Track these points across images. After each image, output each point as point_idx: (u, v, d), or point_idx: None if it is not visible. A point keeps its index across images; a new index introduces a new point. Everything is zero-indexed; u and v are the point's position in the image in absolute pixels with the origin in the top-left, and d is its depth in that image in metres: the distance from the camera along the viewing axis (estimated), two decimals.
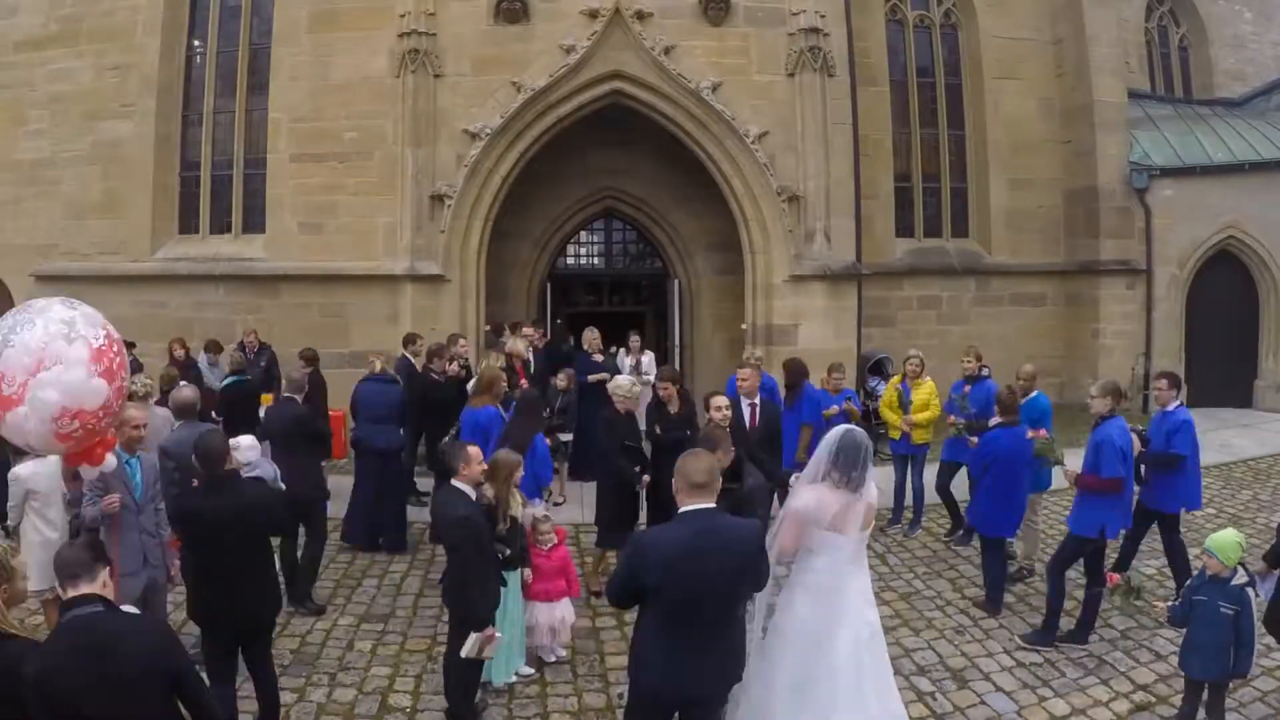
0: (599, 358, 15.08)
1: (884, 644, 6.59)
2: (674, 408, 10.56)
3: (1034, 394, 11.35)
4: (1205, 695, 7.20)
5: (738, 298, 17.65)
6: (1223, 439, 17.33)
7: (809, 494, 6.50)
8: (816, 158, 16.48)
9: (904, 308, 19.08)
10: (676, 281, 19.52)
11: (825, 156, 16.54)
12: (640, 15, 16.04)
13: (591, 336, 15.30)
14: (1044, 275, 19.87)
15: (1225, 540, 7.01)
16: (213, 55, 18.03)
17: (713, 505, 5.47)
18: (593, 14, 16.01)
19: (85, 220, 17.79)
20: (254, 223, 17.69)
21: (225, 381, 13.33)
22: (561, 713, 7.82)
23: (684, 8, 16.31)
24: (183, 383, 11.11)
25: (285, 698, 7.93)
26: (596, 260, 20.52)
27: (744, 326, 16.88)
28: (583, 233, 20.12)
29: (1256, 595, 7.21)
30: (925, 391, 12.40)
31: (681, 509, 5.49)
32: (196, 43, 18.12)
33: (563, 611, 8.59)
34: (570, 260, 20.32)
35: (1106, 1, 19.64)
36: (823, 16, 16.46)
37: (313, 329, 16.33)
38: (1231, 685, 7.40)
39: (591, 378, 14.46)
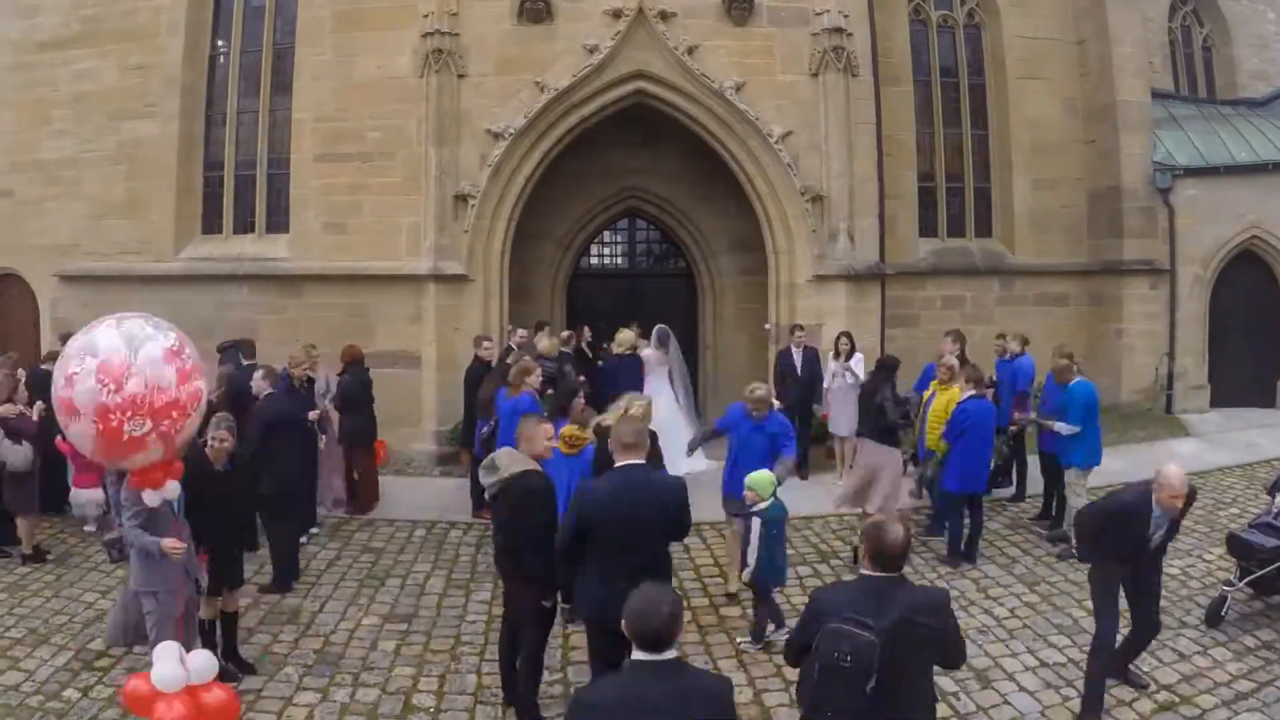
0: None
1: (679, 413, 15.62)
2: None
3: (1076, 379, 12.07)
4: None
5: (761, 298, 17.62)
6: (1247, 439, 17.29)
7: (647, 350, 15.54)
8: (840, 158, 16.42)
9: (927, 308, 19.00)
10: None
11: (849, 156, 16.49)
12: (664, 15, 16.00)
13: (624, 336, 15.55)
14: (1067, 275, 19.78)
15: (760, 479, 8.96)
16: (236, 55, 18.05)
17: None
18: (616, 14, 15.99)
19: (108, 220, 17.81)
20: (277, 223, 17.71)
21: None
22: None
23: (707, 8, 16.26)
24: None
25: (308, 697, 8.03)
26: (620, 260, 20.51)
27: (767, 326, 16.85)
28: (606, 232, 20.11)
29: None
30: (948, 398, 12.14)
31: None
32: (220, 43, 18.15)
33: None
34: (594, 260, 20.31)
35: (1130, 1, 19.52)
36: (846, 16, 16.40)
37: (336, 329, 16.31)
38: (1256, 685, 8.14)
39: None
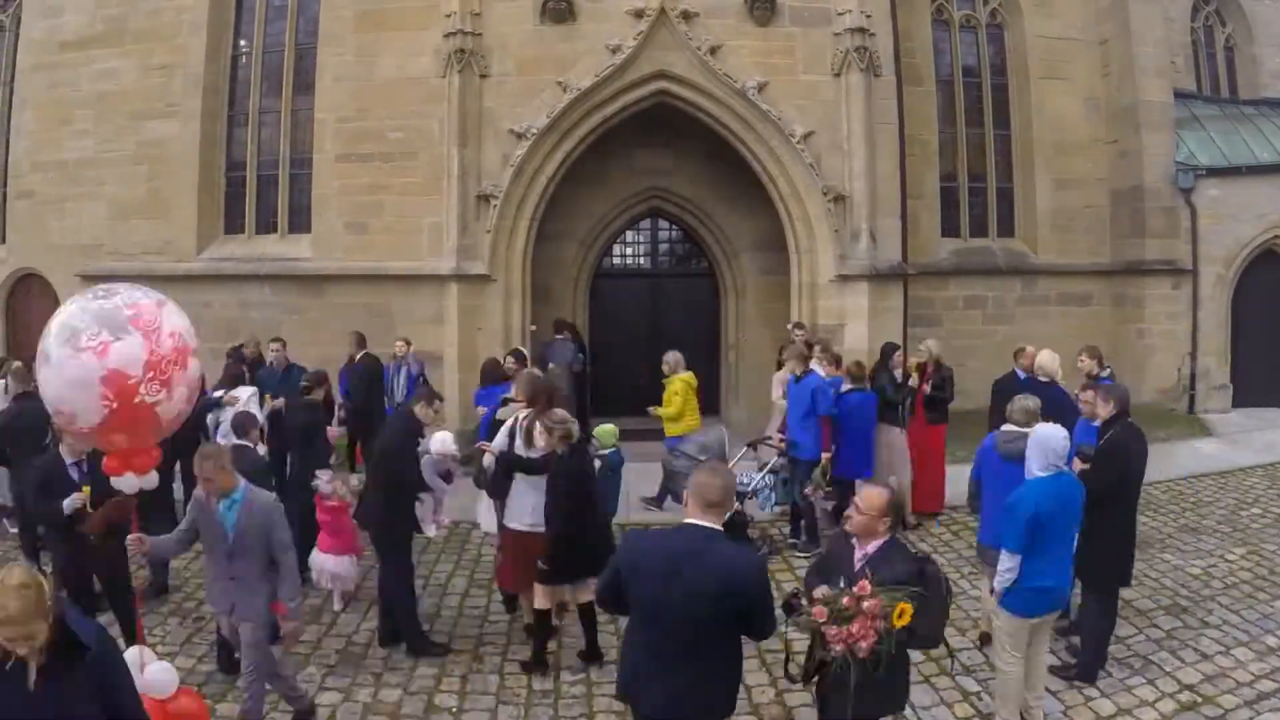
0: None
1: None
2: None
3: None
4: None
5: (783, 297, 17.58)
6: (1268, 439, 17.21)
7: None
8: (862, 157, 16.38)
9: (949, 308, 18.94)
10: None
11: (871, 156, 16.46)
12: (686, 15, 15.98)
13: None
14: (1090, 275, 19.69)
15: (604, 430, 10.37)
16: (258, 55, 18.12)
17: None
18: (638, 14, 15.98)
19: (130, 220, 17.89)
20: (299, 222, 17.78)
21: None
22: (607, 712, 7.86)
23: (729, 8, 16.24)
24: None
25: (331, 698, 8.03)
26: (642, 260, 20.42)
27: (789, 326, 16.82)
28: (628, 232, 20.02)
29: None
30: None
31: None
32: (242, 43, 18.22)
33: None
34: (616, 260, 20.24)
35: (1152, 1, 19.47)
36: (868, 16, 16.35)
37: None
38: (1278, 685, 8.07)
39: None
